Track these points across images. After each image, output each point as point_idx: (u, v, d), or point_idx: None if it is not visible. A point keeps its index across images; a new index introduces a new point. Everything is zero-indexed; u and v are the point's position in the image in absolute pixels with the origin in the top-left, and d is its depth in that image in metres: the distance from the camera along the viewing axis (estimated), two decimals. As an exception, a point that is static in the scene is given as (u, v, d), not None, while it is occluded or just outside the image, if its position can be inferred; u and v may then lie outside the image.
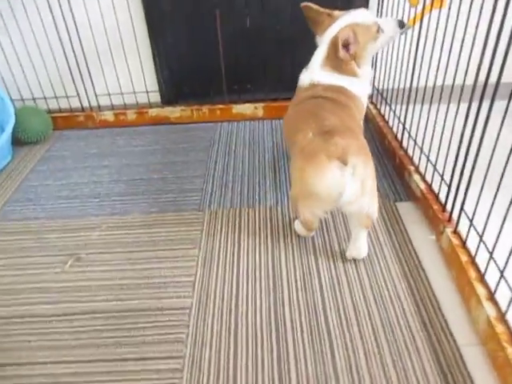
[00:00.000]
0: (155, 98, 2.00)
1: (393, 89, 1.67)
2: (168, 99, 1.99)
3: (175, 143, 1.84)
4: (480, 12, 1.01)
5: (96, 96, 1.98)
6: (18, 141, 1.89)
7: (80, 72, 1.93)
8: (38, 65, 1.91)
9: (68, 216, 1.50)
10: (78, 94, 1.97)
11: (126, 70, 1.92)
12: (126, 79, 1.94)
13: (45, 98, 2.00)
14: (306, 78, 1.35)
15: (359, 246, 1.23)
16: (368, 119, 1.91)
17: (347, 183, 1.07)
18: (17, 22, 1.83)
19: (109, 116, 1.98)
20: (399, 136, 1.62)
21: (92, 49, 1.88)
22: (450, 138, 1.22)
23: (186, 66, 1.91)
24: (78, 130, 1.98)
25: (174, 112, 1.96)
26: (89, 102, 1.99)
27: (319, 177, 1.08)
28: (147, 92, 1.98)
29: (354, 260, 1.24)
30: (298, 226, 1.34)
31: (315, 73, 1.33)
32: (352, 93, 1.30)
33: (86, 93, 1.97)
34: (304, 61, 1.86)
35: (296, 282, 1.19)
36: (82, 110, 2.00)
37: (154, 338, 1.07)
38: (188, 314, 1.13)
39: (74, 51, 1.88)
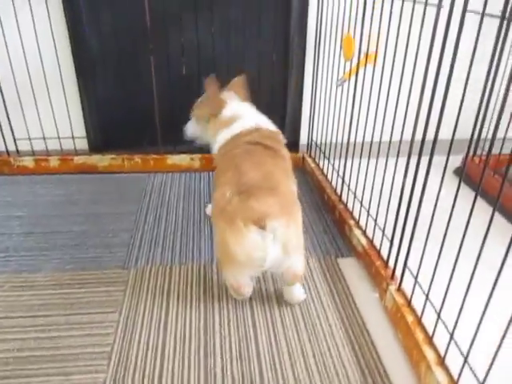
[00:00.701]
0: (82, 144, 1.85)
1: (331, 143, 1.65)
2: (96, 146, 1.85)
3: (102, 193, 1.68)
4: (414, 67, 1.01)
5: (14, 139, 1.79)
6: None
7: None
8: None
9: (-38, 275, 1.27)
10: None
11: (50, 113, 1.77)
12: (50, 123, 1.79)
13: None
14: (250, 121, 1.33)
15: (293, 297, 1.18)
16: (306, 172, 1.88)
17: (269, 248, 0.99)
18: None
19: (28, 162, 1.79)
20: (338, 190, 1.59)
21: (11, 87, 1.72)
22: (390, 193, 1.18)
23: (117, 113, 1.80)
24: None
25: (103, 160, 1.82)
26: (5, 145, 1.80)
27: (238, 243, 1.00)
28: (73, 138, 1.83)
29: (296, 325, 1.12)
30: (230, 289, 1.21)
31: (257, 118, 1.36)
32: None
33: (3, 135, 1.78)
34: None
35: (231, 350, 1.05)
36: (-2, 154, 1.81)
37: (54, 426, 0.87)
38: (100, 393, 0.94)
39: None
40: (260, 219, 0.98)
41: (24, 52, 1.67)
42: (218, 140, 1.36)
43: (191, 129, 1.54)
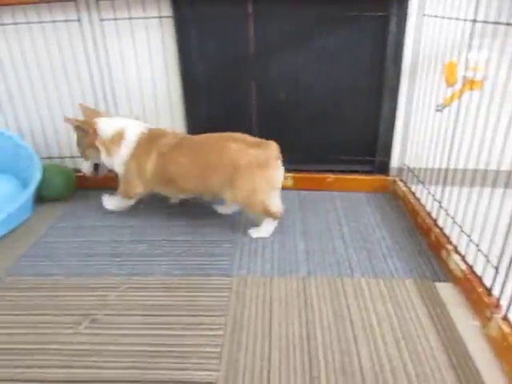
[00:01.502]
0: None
1: (426, 168, 1.65)
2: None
3: (202, 207, 1.80)
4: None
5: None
6: (40, 197, 1.85)
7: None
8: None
9: (86, 274, 1.41)
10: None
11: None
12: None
13: (72, 157, 2.00)
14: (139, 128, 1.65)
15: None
16: (397, 196, 1.88)
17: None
18: (56, 83, 1.88)
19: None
20: (434, 214, 1.57)
21: (126, 113, 1.91)
22: (497, 220, 1.16)
23: (217, 133, 1.93)
24: (102, 190, 1.94)
25: (202, 177, 1.94)
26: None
27: (276, 173, 1.55)
28: (177, 156, 1.98)
29: (397, 345, 1.12)
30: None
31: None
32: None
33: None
34: (332, 136, 1.90)
35: (334, 362, 1.07)
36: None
37: (175, 415, 0.94)
38: (214, 389, 1.00)
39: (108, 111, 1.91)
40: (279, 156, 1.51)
41: (140, 81, 1.86)
42: (121, 155, 1.59)
43: (87, 167, 1.73)
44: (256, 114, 1.88)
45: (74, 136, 1.69)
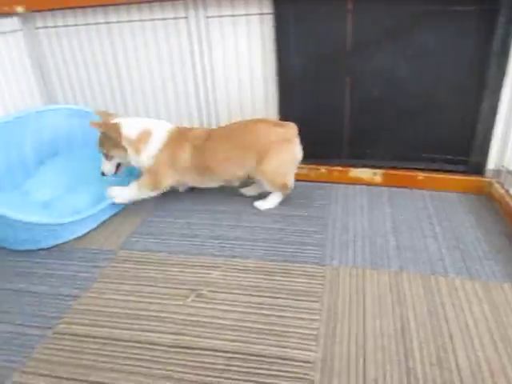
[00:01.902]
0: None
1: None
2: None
3: (292, 198, 1.86)
4: None
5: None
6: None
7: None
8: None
9: (189, 253, 1.53)
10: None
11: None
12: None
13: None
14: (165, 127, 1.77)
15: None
16: (493, 198, 1.82)
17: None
18: (162, 76, 2.03)
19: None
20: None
21: (225, 105, 2.02)
22: None
23: (309, 128, 1.97)
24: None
25: (292, 169, 2.01)
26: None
27: (298, 149, 1.76)
28: (268, 148, 2.06)
29: (495, 347, 1.12)
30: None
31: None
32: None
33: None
34: (424, 134, 1.87)
35: (430, 356, 1.09)
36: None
37: (278, 387, 1.02)
38: (312, 368, 1.06)
39: (207, 104, 2.03)
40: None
41: (238, 74, 1.96)
42: (150, 150, 1.69)
43: (109, 167, 1.76)
44: (349, 109, 1.91)
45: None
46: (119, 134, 1.67)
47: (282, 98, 1.96)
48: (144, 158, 1.71)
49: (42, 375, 1.09)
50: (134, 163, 1.75)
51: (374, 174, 1.93)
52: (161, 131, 1.72)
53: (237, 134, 1.72)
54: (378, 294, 1.30)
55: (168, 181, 1.75)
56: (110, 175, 1.78)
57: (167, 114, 2.12)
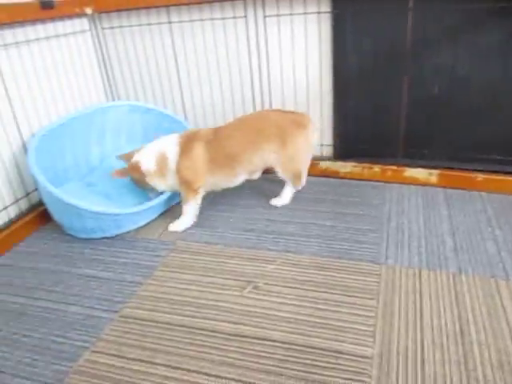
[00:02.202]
0: (328, 151, 2.09)
1: None
2: (340, 154, 2.05)
3: (344, 196, 1.87)
4: None
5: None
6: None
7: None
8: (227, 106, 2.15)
9: (244, 246, 1.57)
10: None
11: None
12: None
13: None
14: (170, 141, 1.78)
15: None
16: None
17: None
18: (220, 75, 2.09)
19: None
20: None
21: (279, 104, 2.05)
22: None
23: (363, 126, 1.97)
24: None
25: (345, 167, 2.01)
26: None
27: (313, 137, 1.82)
28: (321, 145, 2.07)
29: None
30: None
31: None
32: None
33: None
34: (485, 134, 1.82)
35: (490, 358, 1.08)
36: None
37: (335, 380, 1.04)
38: (370, 364, 1.07)
39: (262, 101, 2.07)
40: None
41: (294, 72, 1.99)
42: (171, 169, 1.72)
43: (153, 193, 1.82)
44: (405, 108, 1.89)
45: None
46: (142, 174, 1.73)
47: (337, 96, 1.97)
48: (170, 178, 1.73)
49: (110, 355, 1.16)
50: (169, 188, 1.77)
51: (430, 174, 1.90)
52: (171, 147, 1.72)
53: (249, 121, 1.77)
54: (435, 294, 1.29)
55: (199, 182, 1.72)
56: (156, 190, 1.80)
57: (222, 113, 2.17)
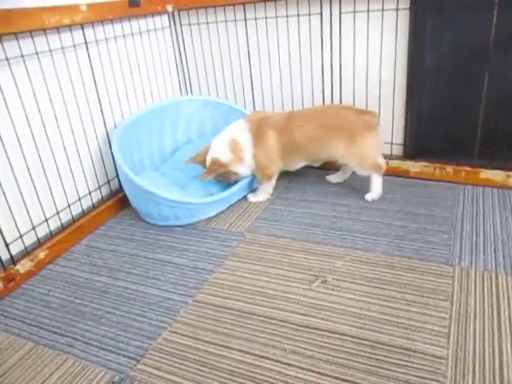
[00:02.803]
0: (398, 150, 2.05)
1: None
2: (410, 153, 2.01)
3: (414, 196, 1.84)
4: None
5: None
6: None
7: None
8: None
9: (311, 241, 1.60)
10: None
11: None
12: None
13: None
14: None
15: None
16: None
17: None
18: (291, 72, 2.11)
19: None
20: None
21: (350, 98, 2.05)
22: None
23: (437, 124, 1.92)
24: (315, 168, 2.13)
25: (416, 167, 1.97)
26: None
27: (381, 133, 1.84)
28: (391, 144, 2.04)
29: None
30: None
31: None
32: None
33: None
34: None
35: None
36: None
37: (408, 377, 1.04)
38: (444, 364, 1.06)
39: (332, 99, 2.07)
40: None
41: (367, 69, 1.97)
42: (248, 154, 1.82)
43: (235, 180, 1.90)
44: (484, 107, 1.82)
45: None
46: (224, 166, 1.81)
47: (411, 94, 1.93)
48: (249, 162, 1.84)
49: (186, 336, 1.23)
50: (246, 172, 1.88)
51: (508, 176, 1.82)
52: (242, 134, 1.82)
53: (320, 116, 1.80)
54: (513, 299, 1.25)
55: (272, 168, 1.85)
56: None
57: (290, 107, 2.20)
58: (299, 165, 1.92)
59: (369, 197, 1.84)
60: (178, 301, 1.37)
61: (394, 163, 2.01)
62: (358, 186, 1.94)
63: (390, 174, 2.02)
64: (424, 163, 1.96)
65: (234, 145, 1.82)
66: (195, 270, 1.51)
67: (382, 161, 1.83)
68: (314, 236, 1.63)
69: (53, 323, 1.34)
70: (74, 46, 1.73)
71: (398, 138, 2.04)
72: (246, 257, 1.55)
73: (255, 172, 1.88)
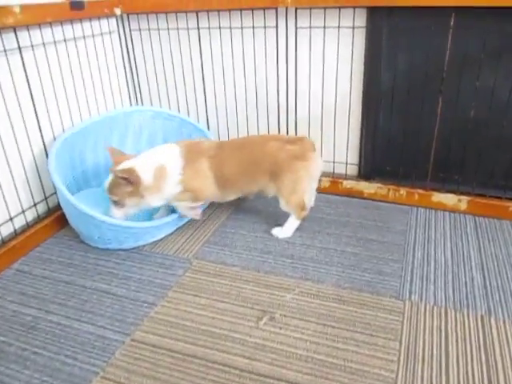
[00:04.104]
0: (352, 170, 2.02)
1: None
2: (365, 174, 1.98)
3: (368, 219, 1.80)
4: None
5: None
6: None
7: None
8: (245, 117, 2.09)
9: (262, 270, 1.52)
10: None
11: (331, 140, 1.98)
12: (328, 148, 2.00)
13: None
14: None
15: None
16: None
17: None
18: (246, 85, 2.03)
19: (303, 179, 2.04)
20: None
21: (305, 115, 1.99)
22: None
23: (392, 145, 1.90)
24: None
25: (370, 188, 1.94)
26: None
27: (316, 164, 1.69)
28: (346, 164, 2.00)
29: None
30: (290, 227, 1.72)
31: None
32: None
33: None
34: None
35: (519, 418, 1.01)
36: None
37: (354, 433, 0.98)
38: (390, 417, 1.02)
39: (287, 113, 2.00)
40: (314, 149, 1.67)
41: (323, 89, 1.91)
42: (172, 180, 1.61)
43: (119, 214, 1.61)
44: (438, 130, 1.81)
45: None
46: (137, 184, 1.55)
47: (366, 113, 1.90)
48: (169, 191, 1.62)
49: (118, 383, 1.13)
50: (154, 202, 1.64)
51: (460, 200, 1.82)
52: (172, 158, 1.62)
53: (248, 148, 1.69)
54: (462, 337, 1.22)
55: (207, 192, 1.68)
56: (122, 218, 1.62)
57: (244, 121, 2.12)
58: (231, 197, 1.77)
59: (274, 231, 1.72)
60: (114, 340, 1.26)
61: (349, 184, 1.98)
62: (314, 208, 1.89)
63: (344, 194, 1.99)
64: (378, 184, 1.93)
65: (159, 171, 1.59)
66: (135, 303, 1.40)
67: (307, 201, 1.68)
68: (264, 264, 1.56)
69: (-30, 368, 1.20)
70: (5, 50, 1.57)
71: (354, 157, 2.00)
72: (192, 288, 1.46)
73: (179, 196, 1.65)
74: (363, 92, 1.86)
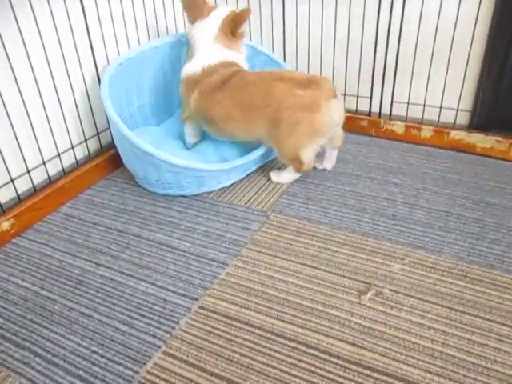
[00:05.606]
0: (463, 118, 1.63)
1: None
2: (478, 124, 1.59)
3: (485, 180, 1.44)
4: None
5: (392, 102, 1.69)
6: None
7: (384, 73, 1.67)
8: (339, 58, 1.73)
9: (358, 231, 1.22)
10: (370, 97, 1.72)
11: (441, 80, 1.59)
12: (435, 90, 1.62)
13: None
14: (196, 66, 1.43)
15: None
16: None
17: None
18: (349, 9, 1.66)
19: (398, 127, 1.68)
20: None
21: (409, 50, 1.60)
22: None
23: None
24: (358, 135, 1.72)
25: (485, 141, 1.56)
26: (380, 107, 1.72)
27: (326, 114, 1.29)
28: (457, 110, 1.62)
29: None
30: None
31: (208, 55, 1.42)
32: (241, 65, 1.46)
33: (382, 97, 1.70)
34: None
35: None
36: (369, 114, 1.74)
37: None
38: None
39: (387, 49, 1.62)
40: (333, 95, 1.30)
41: (439, 13, 1.51)
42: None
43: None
44: None
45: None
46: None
47: (492, 49, 1.48)
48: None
49: (186, 363, 0.88)
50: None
51: None
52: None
53: (247, 90, 1.36)
54: None
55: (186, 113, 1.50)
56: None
57: (330, 55, 1.76)
58: (222, 138, 1.53)
59: (272, 174, 1.48)
60: (178, 305, 1.01)
61: (457, 135, 1.60)
62: (411, 161, 1.55)
63: (450, 148, 1.62)
64: (497, 137, 1.54)
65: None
66: (202, 261, 1.14)
67: (307, 156, 1.36)
68: (360, 224, 1.25)
69: (7, 325, 0.99)
70: None
71: (466, 103, 1.61)
72: (270, 246, 1.18)
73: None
74: (491, 22, 1.45)
